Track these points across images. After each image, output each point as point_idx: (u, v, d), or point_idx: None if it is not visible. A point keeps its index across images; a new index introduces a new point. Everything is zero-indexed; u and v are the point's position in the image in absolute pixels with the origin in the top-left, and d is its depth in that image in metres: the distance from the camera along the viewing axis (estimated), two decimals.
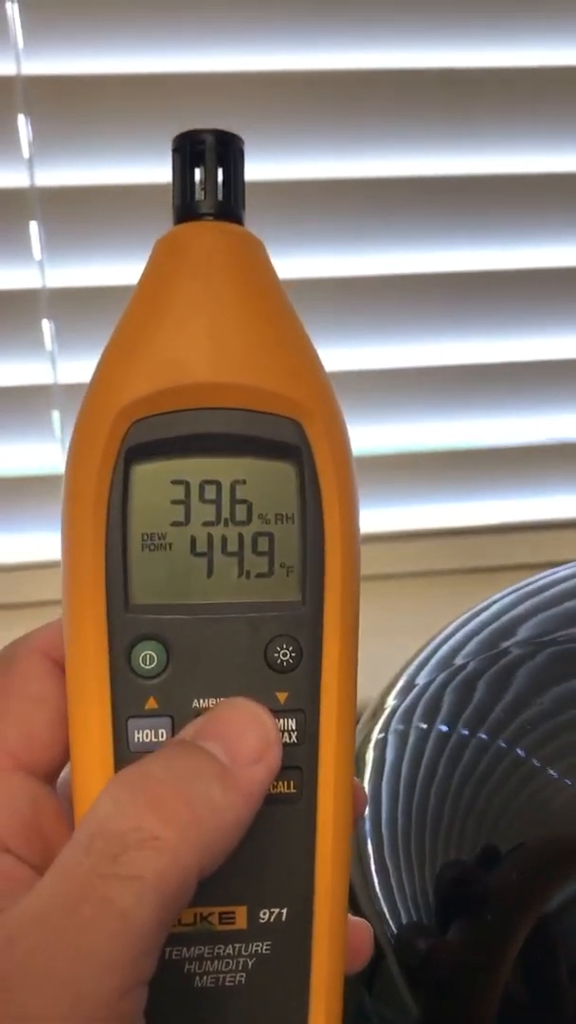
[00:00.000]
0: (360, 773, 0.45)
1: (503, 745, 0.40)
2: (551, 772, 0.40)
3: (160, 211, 0.62)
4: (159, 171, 0.60)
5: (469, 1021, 0.36)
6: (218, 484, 0.25)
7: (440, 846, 0.40)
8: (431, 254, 0.67)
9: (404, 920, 0.39)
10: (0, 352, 0.64)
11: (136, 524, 0.25)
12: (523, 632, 0.44)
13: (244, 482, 0.25)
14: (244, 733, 0.23)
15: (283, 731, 0.25)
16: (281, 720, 0.24)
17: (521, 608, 0.46)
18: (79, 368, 0.64)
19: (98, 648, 0.24)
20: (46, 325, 0.63)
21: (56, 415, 0.65)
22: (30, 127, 0.60)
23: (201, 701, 0.24)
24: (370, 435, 0.68)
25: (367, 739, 0.46)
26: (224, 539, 0.25)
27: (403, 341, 0.68)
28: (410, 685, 0.45)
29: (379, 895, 0.41)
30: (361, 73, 0.61)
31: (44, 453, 0.66)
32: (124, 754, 0.24)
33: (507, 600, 0.47)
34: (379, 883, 0.41)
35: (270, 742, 0.23)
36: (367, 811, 0.43)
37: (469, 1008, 0.36)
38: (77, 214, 0.62)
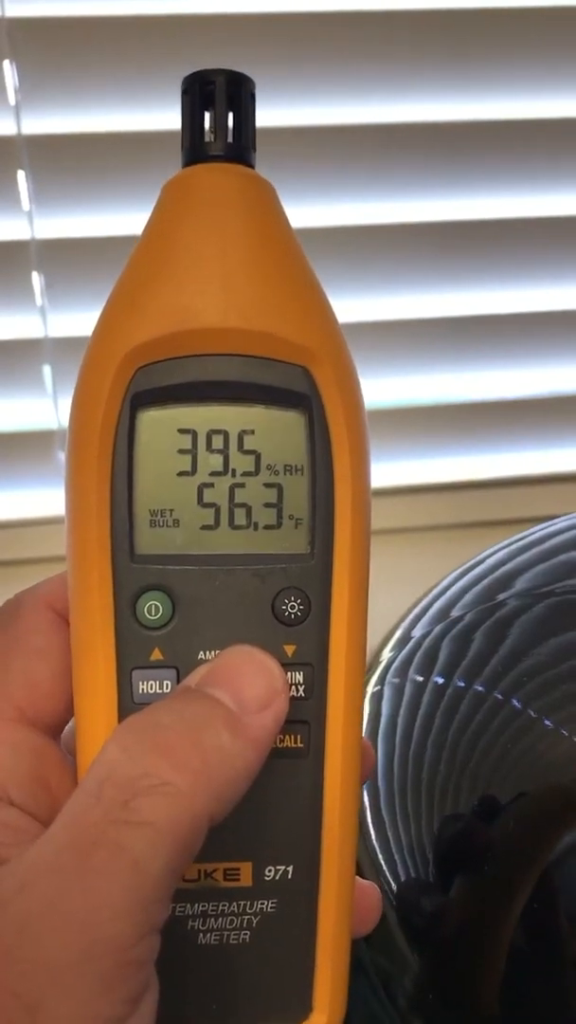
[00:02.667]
0: None
1: (499, 696, 0.40)
2: (547, 722, 0.40)
3: (153, 160, 0.61)
4: (151, 118, 0.59)
5: (472, 974, 0.36)
6: (226, 433, 0.25)
7: (437, 798, 0.40)
8: (430, 203, 0.65)
9: (401, 871, 0.39)
10: None
11: (142, 474, 0.24)
12: (520, 584, 0.44)
13: (252, 432, 0.25)
14: (252, 680, 0.23)
15: (291, 684, 0.24)
16: (288, 674, 0.24)
17: (518, 560, 0.46)
18: (70, 321, 0.63)
19: (103, 599, 0.24)
20: (36, 277, 0.62)
21: (47, 369, 0.64)
22: (16, 72, 0.58)
23: (207, 653, 0.24)
24: (365, 389, 0.67)
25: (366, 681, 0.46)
26: (232, 490, 0.25)
27: (399, 293, 0.67)
28: (406, 638, 0.45)
29: (376, 847, 0.41)
30: (366, 15, 0.59)
31: (35, 408, 0.66)
32: (128, 705, 0.24)
33: (503, 553, 0.47)
34: (376, 835, 0.41)
35: (277, 689, 0.23)
36: None
37: (473, 962, 0.36)
38: (66, 162, 0.60)
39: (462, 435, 0.72)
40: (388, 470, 0.71)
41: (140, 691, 0.24)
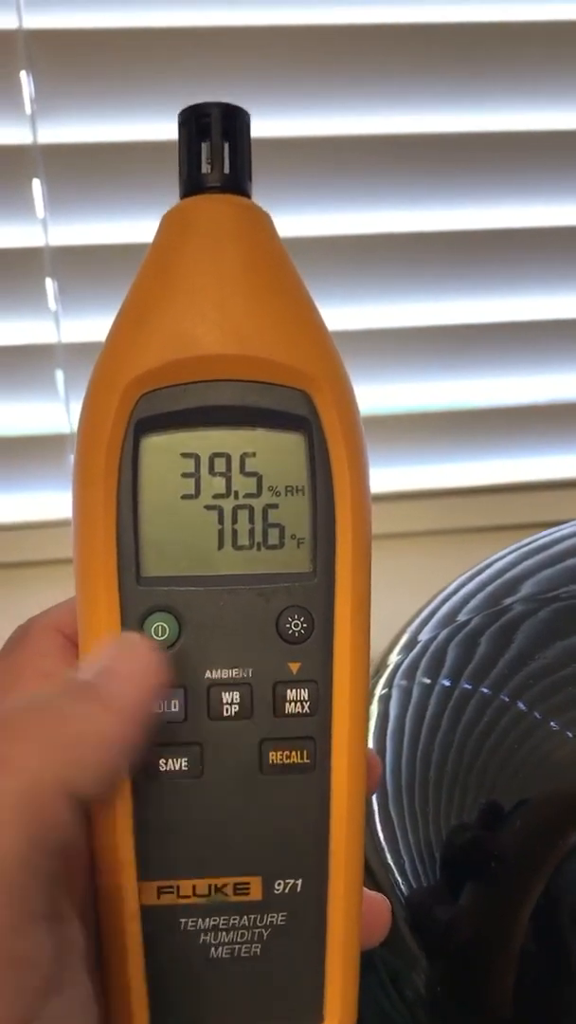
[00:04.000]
0: None
1: (505, 699, 0.41)
2: (553, 725, 0.40)
3: (164, 169, 0.61)
4: (163, 128, 0.60)
5: (483, 975, 0.37)
6: (228, 457, 0.25)
7: (444, 799, 0.40)
8: (432, 212, 0.66)
9: (408, 869, 0.40)
10: (3, 311, 0.64)
11: (147, 497, 0.25)
12: (525, 589, 0.45)
13: (254, 454, 0.25)
14: (115, 656, 0.23)
15: (296, 701, 0.25)
16: (294, 691, 0.25)
17: (523, 566, 0.47)
18: (83, 327, 0.64)
19: (110, 620, 0.24)
20: (49, 283, 0.63)
21: (60, 374, 0.65)
22: (32, 82, 0.59)
23: (213, 672, 0.25)
24: (371, 395, 0.68)
25: (370, 695, 0.47)
26: (234, 512, 0.25)
27: (405, 300, 0.68)
28: (413, 641, 0.45)
29: (384, 847, 0.42)
30: (364, 28, 0.61)
31: (48, 412, 0.66)
32: None
33: (509, 558, 0.48)
34: (384, 835, 0.42)
35: (142, 661, 0.23)
36: None
37: (483, 963, 0.37)
38: (80, 171, 0.61)
39: (469, 440, 0.73)
40: (395, 474, 0.72)
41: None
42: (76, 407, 0.63)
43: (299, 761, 0.25)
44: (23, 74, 0.59)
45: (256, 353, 0.25)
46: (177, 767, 0.25)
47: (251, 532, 0.25)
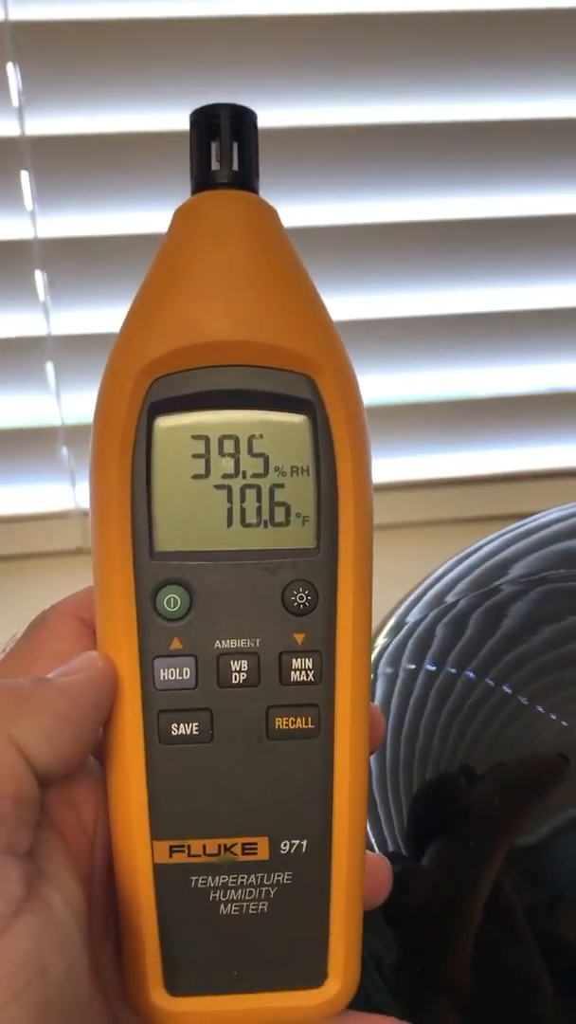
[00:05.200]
0: None
1: (491, 682, 0.41)
2: (539, 708, 0.40)
3: (153, 160, 0.62)
4: (151, 119, 0.60)
5: (445, 948, 0.37)
6: (236, 438, 0.26)
7: (428, 781, 0.40)
8: (430, 201, 0.66)
9: (391, 849, 0.40)
10: None
11: (159, 477, 0.26)
12: (515, 571, 0.45)
13: (261, 436, 0.27)
14: (74, 664, 0.25)
15: (301, 670, 0.26)
16: (299, 660, 0.26)
17: (512, 549, 0.47)
18: (72, 319, 0.64)
19: (126, 593, 0.26)
20: (39, 276, 0.63)
21: (50, 366, 0.65)
22: (19, 74, 0.59)
23: (222, 642, 0.26)
24: (365, 386, 0.68)
25: (372, 664, 0.47)
26: (243, 491, 0.27)
27: (400, 290, 0.68)
28: (400, 624, 0.45)
29: (368, 831, 0.41)
30: (365, 17, 0.61)
31: (38, 405, 0.66)
32: (151, 692, 0.26)
33: (499, 541, 0.48)
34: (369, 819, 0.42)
35: (95, 668, 0.25)
36: None
37: (446, 934, 0.37)
38: (69, 162, 0.61)
39: (464, 431, 0.73)
40: (389, 465, 0.72)
41: (161, 678, 0.26)
42: (67, 399, 0.63)
43: (304, 727, 0.26)
44: (10, 66, 0.59)
45: (262, 339, 0.26)
46: (188, 731, 0.26)
47: (258, 510, 0.27)
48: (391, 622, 0.46)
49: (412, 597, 0.46)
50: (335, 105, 0.63)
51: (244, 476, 0.26)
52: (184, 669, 0.26)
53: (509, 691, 0.41)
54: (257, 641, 0.26)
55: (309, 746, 0.26)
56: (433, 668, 0.43)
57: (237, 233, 0.27)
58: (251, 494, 0.27)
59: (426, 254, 0.67)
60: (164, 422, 0.26)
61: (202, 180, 0.28)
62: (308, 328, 0.27)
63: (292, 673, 0.26)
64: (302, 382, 0.26)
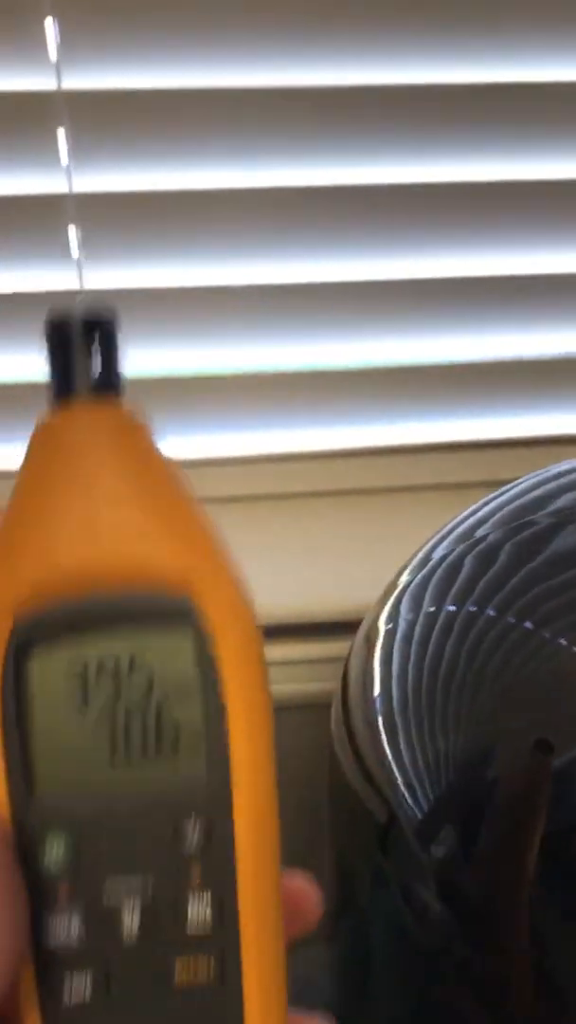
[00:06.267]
0: (371, 654, 0.45)
1: (512, 620, 0.40)
2: (561, 642, 0.39)
3: (187, 115, 0.61)
4: (188, 76, 0.60)
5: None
6: (116, 663, 0.25)
7: (451, 719, 0.39)
8: (429, 165, 0.66)
9: (414, 779, 0.39)
10: (27, 258, 0.64)
11: (34, 714, 0.24)
12: (552, 506, 0.44)
13: (140, 660, 0.25)
14: None
15: (199, 913, 0.24)
16: (197, 902, 0.24)
17: (548, 487, 0.46)
18: (105, 274, 0.64)
19: (3, 845, 0.23)
20: (72, 231, 0.63)
21: None
22: (57, 29, 0.60)
23: (113, 880, 0.24)
24: (371, 348, 0.68)
25: (374, 624, 0.46)
26: (125, 718, 0.25)
27: (403, 254, 0.68)
28: (427, 559, 0.44)
29: (392, 764, 0.40)
30: None
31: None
32: (43, 951, 0.24)
33: (534, 480, 0.47)
34: (391, 753, 0.41)
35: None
36: (376, 690, 0.43)
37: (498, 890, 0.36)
38: (104, 118, 0.61)
39: (468, 396, 0.72)
40: (390, 430, 0.72)
41: (51, 938, 0.24)
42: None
43: (207, 976, 0.24)
44: (48, 21, 0.60)
45: (130, 562, 0.24)
46: (81, 990, 0.24)
47: (143, 738, 0.25)
48: (417, 557, 0.45)
49: (440, 534, 0.45)
50: (332, 67, 0.62)
51: (126, 703, 0.24)
52: (73, 922, 0.24)
53: (530, 627, 0.40)
54: (150, 884, 0.24)
55: (213, 1000, 0.24)
56: (453, 608, 0.42)
57: (95, 452, 0.25)
58: (135, 721, 0.25)
59: (421, 218, 0.67)
60: (35, 654, 0.24)
61: (59, 394, 0.25)
62: (182, 542, 0.25)
63: (189, 917, 0.24)
64: (179, 599, 0.24)
